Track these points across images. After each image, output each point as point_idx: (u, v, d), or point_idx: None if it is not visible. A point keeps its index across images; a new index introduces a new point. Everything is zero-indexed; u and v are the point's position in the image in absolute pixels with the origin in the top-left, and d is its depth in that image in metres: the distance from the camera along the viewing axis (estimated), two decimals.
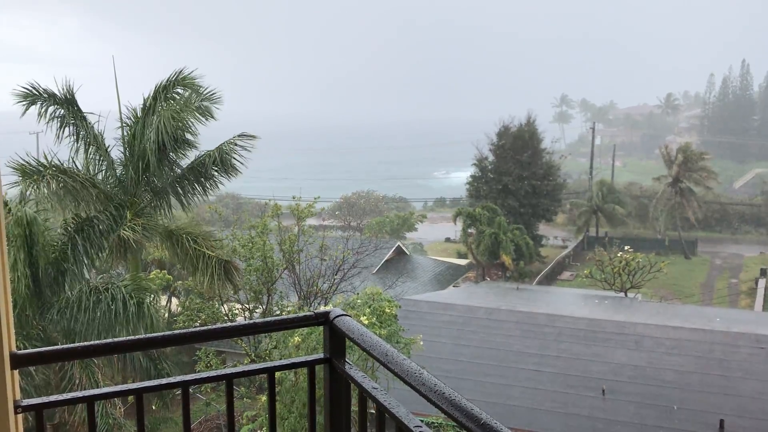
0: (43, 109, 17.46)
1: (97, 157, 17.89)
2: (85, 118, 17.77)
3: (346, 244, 26.10)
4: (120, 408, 16.65)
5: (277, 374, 14.69)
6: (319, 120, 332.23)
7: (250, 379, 23.99)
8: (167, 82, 17.98)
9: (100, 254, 16.87)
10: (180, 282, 27.55)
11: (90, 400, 2.75)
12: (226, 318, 22.80)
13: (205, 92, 18.15)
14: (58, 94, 17.51)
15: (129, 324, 15.75)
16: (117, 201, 17.30)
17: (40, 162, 16.56)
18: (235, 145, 18.22)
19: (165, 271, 27.78)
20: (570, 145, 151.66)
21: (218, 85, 18.57)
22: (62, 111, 17.57)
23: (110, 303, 16.05)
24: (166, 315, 26.29)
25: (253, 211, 49.11)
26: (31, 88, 17.43)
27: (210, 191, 18.78)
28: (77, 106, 17.71)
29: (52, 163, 16.52)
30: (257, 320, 4.28)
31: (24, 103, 17.38)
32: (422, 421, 2.38)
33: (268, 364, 2.99)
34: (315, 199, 26.26)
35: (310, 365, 3.01)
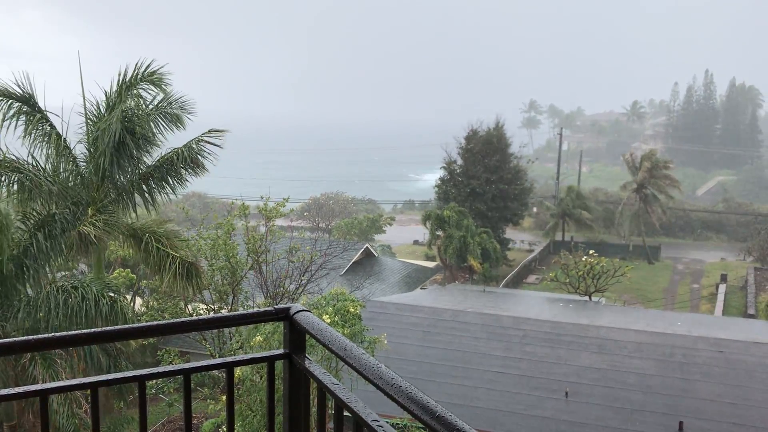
0: (5, 106, 16.92)
1: (57, 154, 17.42)
2: (45, 116, 17.29)
3: (314, 245, 25.97)
4: (86, 407, 16.33)
5: (238, 374, 14.56)
6: (287, 121, 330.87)
7: (215, 381, 23.76)
8: (132, 76, 17.58)
9: (62, 250, 16.49)
10: (144, 281, 27.21)
11: (43, 395, 2.65)
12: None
13: (176, 99, 17.72)
14: (15, 90, 16.89)
15: (102, 325, 15.38)
16: (77, 198, 16.95)
17: None
18: (205, 141, 17.91)
19: (128, 270, 27.42)
20: (537, 150, 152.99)
21: (185, 82, 18.31)
22: (23, 107, 17.03)
23: (80, 303, 15.65)
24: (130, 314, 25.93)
25: (220, 211, 48.66)
26: None
27: (176, 190, 18.45)
28: (35, 102, 17.17)
29: (6, 160, 16.15)
30: (216, 315, 4.22)
31: None
32: (388, 422, 2.38)
33: (227, 359, 2.95)
34: (284, 199, 26.09)
35: (269, 360, 2.99)
